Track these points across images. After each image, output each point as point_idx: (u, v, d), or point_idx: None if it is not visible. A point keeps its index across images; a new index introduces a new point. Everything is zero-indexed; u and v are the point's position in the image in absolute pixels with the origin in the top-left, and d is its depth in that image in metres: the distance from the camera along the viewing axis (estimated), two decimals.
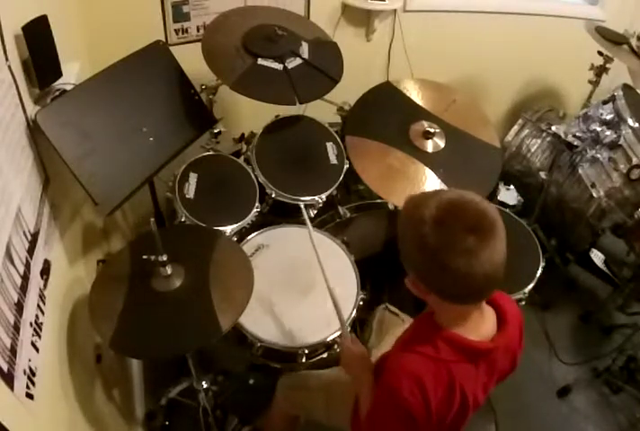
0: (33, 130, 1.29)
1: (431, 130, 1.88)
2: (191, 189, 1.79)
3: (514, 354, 1.14)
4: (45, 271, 1.24)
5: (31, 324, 1.10)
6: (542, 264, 1.91)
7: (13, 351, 0.98)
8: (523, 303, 1.88)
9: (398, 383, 0.99)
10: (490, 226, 0.90)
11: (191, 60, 1.75)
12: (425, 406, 0.98)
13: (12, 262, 1.04)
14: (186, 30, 2.20)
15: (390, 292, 2.02)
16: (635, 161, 2.24)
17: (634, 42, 2.37)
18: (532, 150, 2.69)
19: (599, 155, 2.35)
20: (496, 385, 1.16)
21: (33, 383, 1.05)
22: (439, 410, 1.00)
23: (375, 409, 1.07)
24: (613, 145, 2.31)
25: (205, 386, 1.72)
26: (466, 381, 1.01)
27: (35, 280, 1.16)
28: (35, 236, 1.21)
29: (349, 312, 1.66)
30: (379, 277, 2.03)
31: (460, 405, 1.02)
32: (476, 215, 0.91)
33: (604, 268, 2.66)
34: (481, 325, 1.04)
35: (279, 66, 1.79)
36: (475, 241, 0.88)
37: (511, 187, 2.67)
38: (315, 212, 1.94)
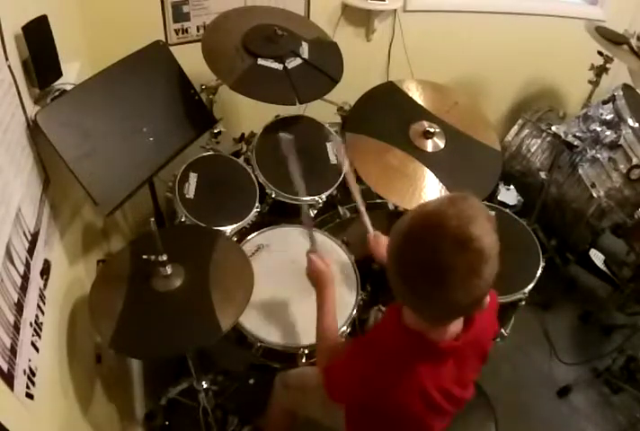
0: (33, 130, 1.29)
1: (431, 130, 1.87)
2: (191, 189, 1.79)
3: (487, 338, 1.14)
4: (45, 271, 1.24)
5: (30, 324, 1.10)
6: (542, 264, 1.91)
7: (13, 351, 0.98)
8: (523, 303, 1.88)
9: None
10: (480, 255, 0.82)
11: (191, 60, 1.76)
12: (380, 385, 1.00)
13: (12, 262, 1.04)
14: (186, 30, 2.20)
15: (389, 291, 2.02)
16: (635, 161, 2.24)
17: (634, 42, 2.37)
18: (532, 150, 2.69)
19: (599, 155, 2.35)
20: (479, 370, 1.16)
21: (33, 383, 1.05)
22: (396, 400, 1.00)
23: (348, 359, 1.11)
24: (613, 145, 2.31)
25: (205, 386, 1.72)
26: (430, 380, 1.01)
27: (35, 280, 1.16)
28: (35, 236, 1.21)
29: (349, 311, 1.66)
30: (378, 276, 2.02)
31: (426, 406, 1.02)
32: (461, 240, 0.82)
33: (604, 268, 2.66)
34: (448, 326, 1.02)
35: (279, 66, 1.79)
36: (463, 273, 0.83)
37: (511, 187, 2.67)
38: (315, 212, 1.94)
